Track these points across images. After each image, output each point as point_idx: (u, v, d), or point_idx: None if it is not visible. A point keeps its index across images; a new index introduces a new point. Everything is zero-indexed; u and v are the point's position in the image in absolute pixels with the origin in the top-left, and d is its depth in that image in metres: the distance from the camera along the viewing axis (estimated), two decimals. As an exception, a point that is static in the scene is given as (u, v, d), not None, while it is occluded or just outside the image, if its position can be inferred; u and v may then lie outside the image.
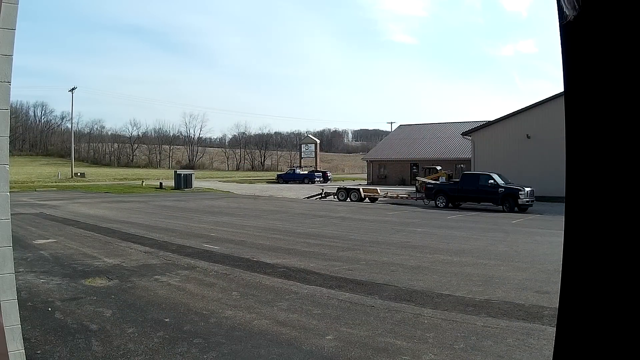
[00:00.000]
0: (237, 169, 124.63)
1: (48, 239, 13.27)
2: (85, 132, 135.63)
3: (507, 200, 24.56)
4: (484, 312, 6.59)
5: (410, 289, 7.94)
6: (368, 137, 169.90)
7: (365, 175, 66.95)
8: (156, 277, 8.74)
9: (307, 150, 73.07)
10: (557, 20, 1.17)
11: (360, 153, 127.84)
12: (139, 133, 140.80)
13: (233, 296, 7.48)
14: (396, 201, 30.65)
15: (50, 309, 6.61)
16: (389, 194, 32.23)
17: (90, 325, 5.91)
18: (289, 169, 73.38)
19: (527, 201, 24.51)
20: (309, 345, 5.29)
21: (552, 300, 7.17)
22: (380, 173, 60.85)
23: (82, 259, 10.29)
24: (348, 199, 30.87)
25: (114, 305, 6.84)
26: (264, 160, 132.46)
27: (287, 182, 58.37)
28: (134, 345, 5.23)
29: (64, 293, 7.52)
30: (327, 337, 5.57)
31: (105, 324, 5.99)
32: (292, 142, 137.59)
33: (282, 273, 9.17)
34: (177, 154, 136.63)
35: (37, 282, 8.22)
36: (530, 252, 11.74)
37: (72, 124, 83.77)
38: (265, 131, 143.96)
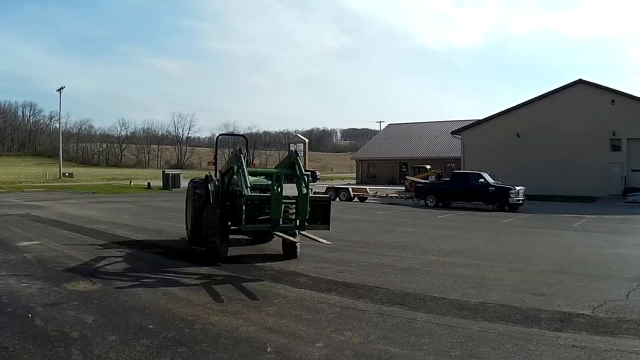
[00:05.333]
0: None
1: (33, 240, 12.96)
2: (74, 132, 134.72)
3: (497, 200, 24.51)
4: (479, 316, 6.40)
5: (402, 291, 7.75)
6: (357, 136, 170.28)
7: (354, 175, 66.89)
8: (141, 280, 8.48)
9: (296, 149, 72.85)
10: None
11: (349, 152, 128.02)
12: (128, 133, 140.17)
13: (220, 300, 7.24)
14: (386, 200, 30.52)
15: (30, 315, 6.35)
16: (378, 194, 32.03)
17: (70, 333, 5.65)
18: (278, 168, 73.06)
19: (518, 200, 24.47)
20: (298, 353, 5.07)
21: (549, 302, 7.03)
22: (370, 172, 60.83)
23: (66, 262, 10.00)
24: (337, 199, 30.65)
25: (96, 310, 6.58)
26: (253, 160, 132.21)
27: (276, 182, 57.93)
28: (115, 355, 4.98)
29: (46, 298, 7.24)
30: (318, 345, 5.35)
31: (87, 331, 5.73)
32: (281, 141, 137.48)
33: (270, 275, 8.95)
34: (165, 154, 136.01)
35: (19, 286, 7.94)
36: (523, 252, 11.60)
37: (59, 123, 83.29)
38: (254, 130, 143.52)
